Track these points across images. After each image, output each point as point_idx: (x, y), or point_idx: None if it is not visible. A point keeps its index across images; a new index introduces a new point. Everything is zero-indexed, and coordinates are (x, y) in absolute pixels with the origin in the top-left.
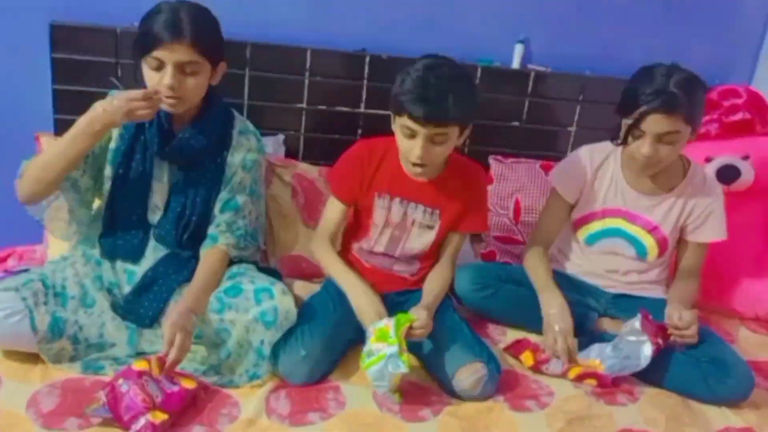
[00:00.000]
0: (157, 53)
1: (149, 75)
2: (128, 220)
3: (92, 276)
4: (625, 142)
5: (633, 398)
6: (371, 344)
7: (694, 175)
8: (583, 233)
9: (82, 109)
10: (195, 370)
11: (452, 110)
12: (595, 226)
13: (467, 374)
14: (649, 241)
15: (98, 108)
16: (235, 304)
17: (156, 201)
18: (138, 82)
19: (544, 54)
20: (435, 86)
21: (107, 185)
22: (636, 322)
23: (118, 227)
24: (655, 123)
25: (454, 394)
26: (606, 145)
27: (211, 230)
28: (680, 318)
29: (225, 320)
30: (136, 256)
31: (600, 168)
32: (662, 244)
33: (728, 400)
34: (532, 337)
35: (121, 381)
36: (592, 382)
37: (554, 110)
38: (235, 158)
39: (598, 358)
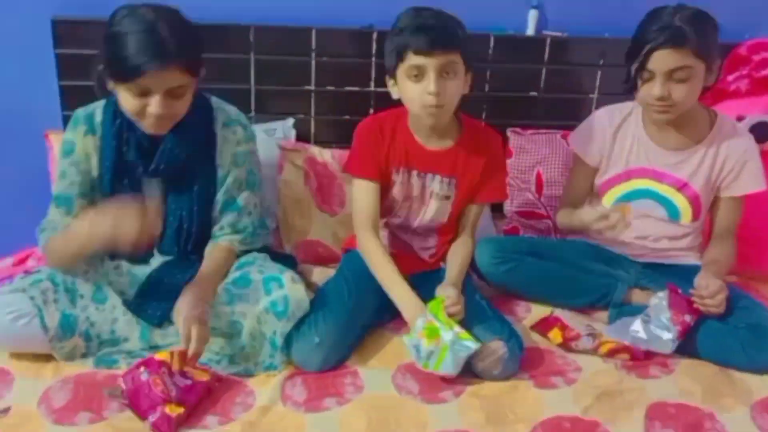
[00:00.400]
0: (143, 82)
1: (130, 102)
2: None
3: (102, 272)
4: (635, 87)
5: (667, 370)
6: (427, 346)
7: (722, 124)
8: (610, 198)
9: (89, 103)
10: (209, 360)
11: (454, 34)
12: (621, 189)
13: (486, 354)
14: (680, 201)
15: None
16: (244, 296)
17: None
18: (104, 94)
19: (560, 19)
20: (431, 16)
21: None
22: (663, 300)
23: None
24: (662, 59)
25: (476, 374)
26: (626, 105)
27: (215, 231)
28: (707, 287)
29: (236, 312)
30: (140, 263)
31: (620, 128)
32: (695, 202)
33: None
34: (558, 312)
35: (142, 369)
36: (625, 356)
37: (574, 77)
38: (224, 157)
39: (624, 339)
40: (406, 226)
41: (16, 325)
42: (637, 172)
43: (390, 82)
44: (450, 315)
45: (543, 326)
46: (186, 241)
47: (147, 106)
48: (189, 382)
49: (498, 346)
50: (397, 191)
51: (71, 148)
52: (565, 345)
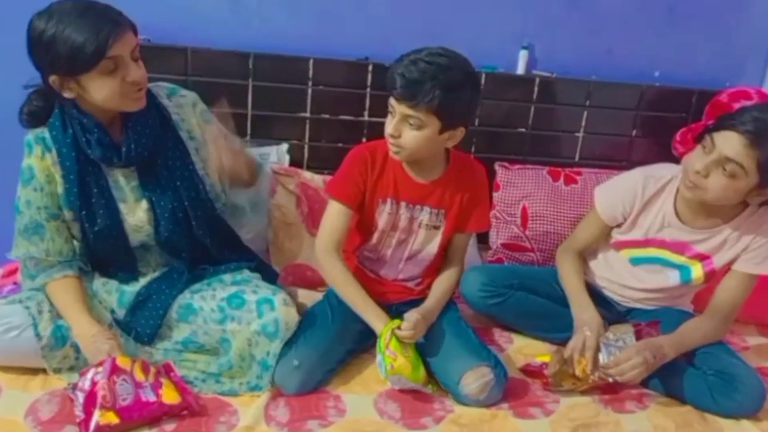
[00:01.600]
0: (113, 51)
1: (107, 84)
2: (111, 253)
3: (92, 290)
4: (696, 142)
5: (642, 405)
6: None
7: (752, 212)
8: (627, 254)
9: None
10: (195, 378)
11: (427, 96)
12: (637, 252)
13: (473, 378)
14: (696, 270)
15: (87, 336)
16: (237, 316)
17: (134, 221)
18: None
19: (549, 60)
20: (421, 69)
21: (75, 230)
22: (627, 337)
23: (102, 262)
24: (729, 142)
25: (459, 400)
26: (664, 173)
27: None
28: (617, 365)
29: (227, 331)
30: (128, 279)
31: (651, 199)
32: (709, 274)
33: (738, 415)
34: (540, 344)
35: (100, 370)
36: (597, 391)
37: (561, 116)
38: (190, 122)
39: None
40: (396, 259)
41: (6, 338)
42: (656, 242)
43: None
44: (405, 339)
45: (529, 371)
46: (186, 222)
47: (126, 77)
48: (153, 399)
49: (486, 372)
50: (384, 222)
51: (31, 175)
52: (544, 388)
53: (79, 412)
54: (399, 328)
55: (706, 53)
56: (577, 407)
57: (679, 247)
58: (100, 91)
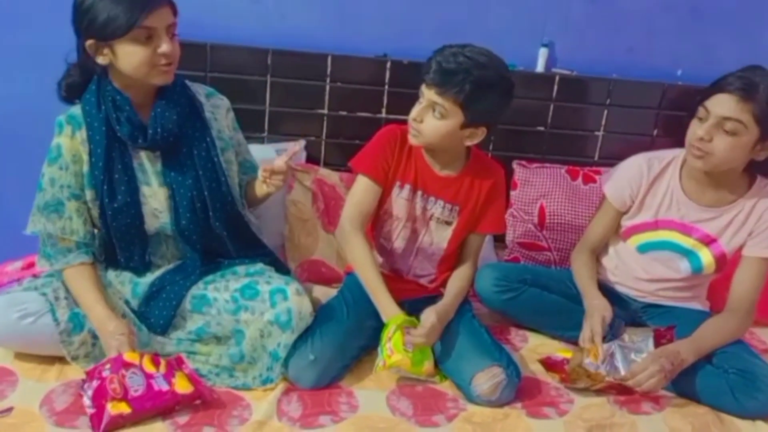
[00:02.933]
0: (148, 22)
1: (138, 53)
2: (126, 239)
3: (106, 281)
4: (690, 119)
5: (659, 407)
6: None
7: (761, 188)
8: (635, 241)
9: None
10: (209, 371)
11: (456, 87)
12: (647, 237)
13: (485, 379)
14: (705, 256)
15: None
16: (251, 307)
17: (154, 206)
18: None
19: (569, 58)
20: (459, 61)
21: (94, 211)
22: (644, 343)
23: (116, 247)
24: (722, 103)
25: (472, 400)
26: (665, 154)
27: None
28: (634, 376)
29: (240, 321)
30: (140, 271)
31: (657, 178)
32: (720, 259)
33: (758, 415)
34: (555, 344)
35: (108, 366)
36: (612, 391)
37: (580, 114)
38: (222, 122)
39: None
40: (407, 251)
41: (22, 324)
42: (665, 223)
43: None
44: (416, 343)
45: (550, 364)
46: (204, 212)
47: (157, 49)
48: (165, 388)
49: (497, 372)
50: (399, 209)
51: (58, 153)
52: (561, 381)
53: (89, 408)
54: (408, 327)
55: (730, 52)
56: (591, 408)
57: (687, 229)
58: (130, 59)
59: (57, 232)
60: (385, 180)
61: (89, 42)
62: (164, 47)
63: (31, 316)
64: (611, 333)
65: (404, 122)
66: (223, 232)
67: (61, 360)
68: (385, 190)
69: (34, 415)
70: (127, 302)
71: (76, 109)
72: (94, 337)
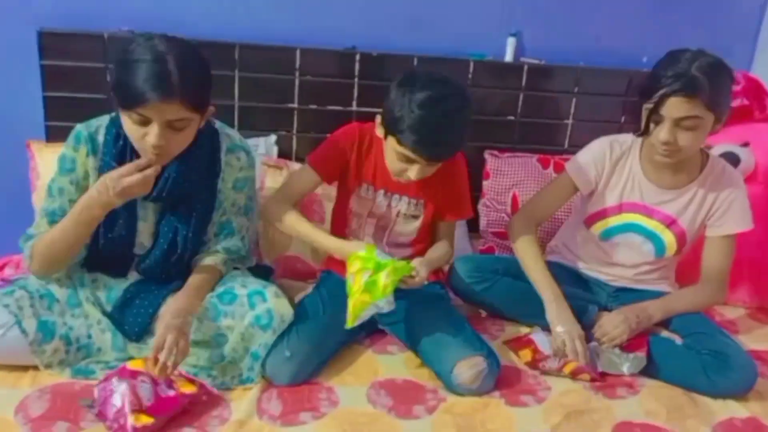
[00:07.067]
0: (143, 111)
1: (131, 128)
2: (112, 260)
3: (78, 282)
4: (646, 130)
5: (633, 391)
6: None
7: (714, 165)
8: (599, 228)
9: (72, 114)
10: (187, 371)
11: (453, 147)
12: (612, 221)
13: (466, 368)
14: (667, 237)
15: (93, 191)
16: (230, 312)
17: (142, 240)
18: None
19: (538, 47)
20: (437, 126)
21: None
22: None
23: (101, 265)
24: (673, 107)
25: (452, 389)
26: (625, 138)
27: (204, 255)
28: (601, 327)
29: (221, 327)
30: (117, 276)
31: (619, 161)
32: (680, 239)
33: (730, 393)
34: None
35: (115, 380)
36: (586, 377)
37: (550, 103)
38: (227, 182)
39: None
40: (378, 243)
41: None
42: (629, 206)
43: (379, 127)
44: (409, 285)
45: (516, 344)
46: (172, 264)
47: (146, 135)
48: (171, 393)
49: (479, 361)
50: (358, 205)
51: (72, 167)
52: (533, 364)
53: (111, 422)
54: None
55: (694, 39)
56: (569, 394)
57: (648, 211)
58: (125, 127)
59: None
60: (329, 174)
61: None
62: (150, 138)
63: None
64: (586, 322)
65: (374, 115)
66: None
67: (34, 367)
68: (348, 188)
69: (8, 422)
70: (101, 307)
71: (98, 130)
72: (68, 343)
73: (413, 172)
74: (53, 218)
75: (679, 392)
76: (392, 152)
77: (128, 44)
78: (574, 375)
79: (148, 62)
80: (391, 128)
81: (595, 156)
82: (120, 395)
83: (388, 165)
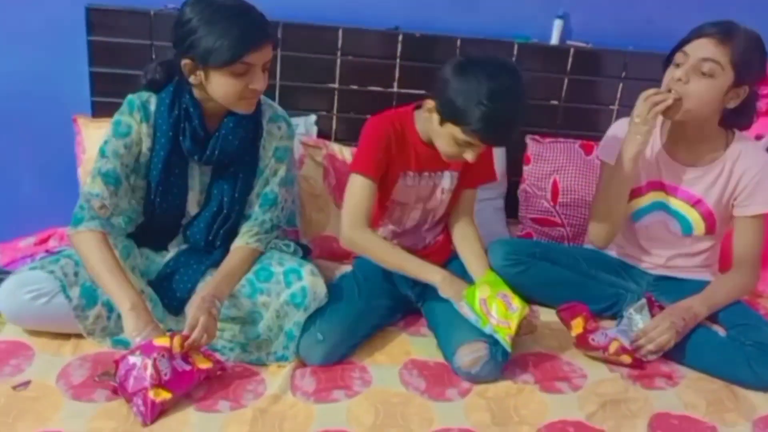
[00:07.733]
0: (249, 58)
1: (230, 83)
2: (161, 230)
3: (122, 253)
4: (668, 63)
5: (672, 382)
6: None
7: (740, 143)
8: (630, 210)
9: (117, 90)
10: (222, 347)
11: (517, 131)
12: (639, 202)
13: (467, 351)
14: (693, 216)
15: (129, 324)
16: (267, 289)
17: (189, 209)
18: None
19: (585, 30)
20: (509, 117)
21: (138, 195)
22: (642, 312)
23: (146, 238)
24: (701, 46)
25: (454, 371)
26: None
27: (247, 224)
28: (646, 334)
29: (257, 303)
30: (160, 248)
31: None
32: (708, 218)
33: None
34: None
35: (137, 353)
36: (627, 359)
37: (595, 88)
38: (267, 149)
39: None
40: (419, 226)
41: (35, 305)
42: (653, 184)
43: (432, 113)
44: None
45: (569, 312)
46: (217, 230)
47: (249, 84)
48: (188, 367)
49: (480, 347)
50: (403, 195)
51: (128, 131)
52: (583, 337)
53: (135, 398)
54: (502, 291)
55: (749, 23)
56: (605, 383)
57: (671, 190)
58: (222, 88)
59: (106, 202)
60: (379, 176)
61: (186, 61)
62: (256, 84)
63: (44, 297)
64: (623, 311)
65: (415, 97)
66: (214, 252)
67: (76, 334)
68: (389, 181)
69: (51, 388)
70: (146, 276)
71: (149, 100)
72: (109, 310)
73: (471, 155)
74: (108, 179)
75: (719, 385)
76: (449, 138)
77: (195, 9)
78: (617, 354)
79: (239, 15)
80: (455, 118)
81: (619, 134)
82: (144, 369)
83: (443, 149)
